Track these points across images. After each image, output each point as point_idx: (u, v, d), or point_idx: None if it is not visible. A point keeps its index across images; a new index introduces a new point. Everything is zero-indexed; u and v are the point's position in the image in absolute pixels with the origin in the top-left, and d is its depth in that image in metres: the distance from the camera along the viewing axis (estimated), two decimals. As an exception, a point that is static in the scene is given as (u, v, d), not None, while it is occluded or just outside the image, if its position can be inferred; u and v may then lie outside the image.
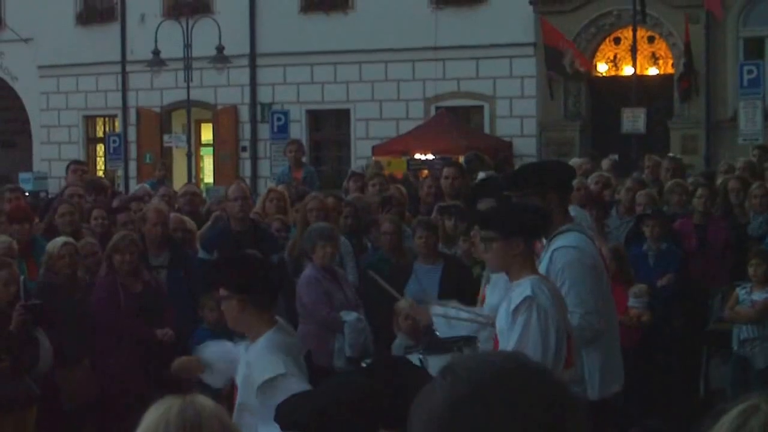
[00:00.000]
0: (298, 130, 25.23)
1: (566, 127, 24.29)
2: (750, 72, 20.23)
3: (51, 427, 8.17)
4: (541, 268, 5.76)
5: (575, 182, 8.66)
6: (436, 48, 24.94)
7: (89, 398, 8.58)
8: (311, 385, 4.79)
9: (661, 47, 24.07)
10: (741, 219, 10.99)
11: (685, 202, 11.07)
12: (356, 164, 22.46)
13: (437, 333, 6.29)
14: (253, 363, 5.01)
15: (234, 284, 5.12)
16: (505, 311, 5.30)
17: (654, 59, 24.22)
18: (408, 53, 25.23)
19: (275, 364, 4.94)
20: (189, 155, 25.67)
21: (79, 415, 8.61)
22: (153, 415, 2.87)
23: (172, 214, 10.21)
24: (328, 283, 8.76)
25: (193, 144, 27.20)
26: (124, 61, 28.32)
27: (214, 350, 5.62)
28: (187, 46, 24.43)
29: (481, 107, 25.45)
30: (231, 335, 6.21)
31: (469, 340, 5.94)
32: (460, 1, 25.02)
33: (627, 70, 23.67)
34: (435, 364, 5.24)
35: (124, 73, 28.50)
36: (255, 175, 27.02)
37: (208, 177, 28.77)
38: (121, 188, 23.83)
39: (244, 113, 27.59)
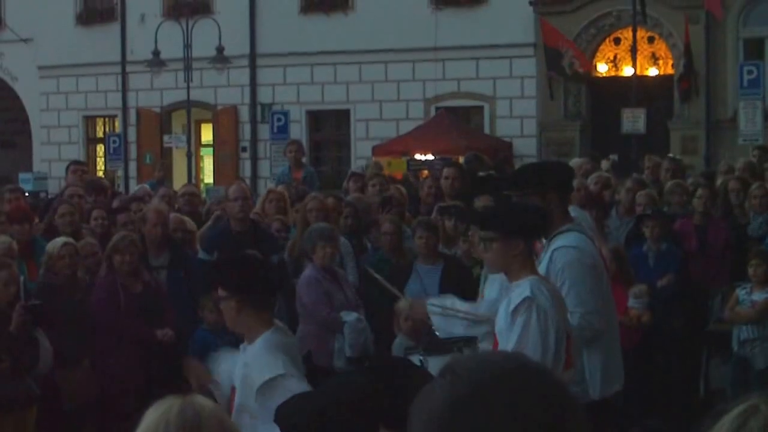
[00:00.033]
0: (298, 131, 25.23)
1: (566, 127, 24.30)
2: (750, 72, 20.24)
3: (51, 427, 8.17)
4: (541, 268, 5.75)
5: (575, 183, 8.66)
6: (436, 48, 24.94)
7: (89, 398, 8.58)
8: (311, 386, 4.78)
9: (661, 48, 24.08)
10: (741, 219, 10.99)
11: (686, 203, 11.07)
12: (356, 165, 22.47)
13: (436, 333, 6.29)
14: (252, 364, 5.00)
15: (232, 285, 5.11)
16: (505, 312, 5.30)
17: (654, 60, 24.22)
18: (408, 54, 25.23)
19: (275, 364, 4.92)
20: (189, 156, 25.67)
21: (79, 415, 8.61)
22: (153, 415, 2.87)
23: (172, 215, 10.21)
24: (328, 283, 8.76)
25: (193, 144, 27.21)
26: (124, 62, 28.33)
27: (224, 368, 5.55)
28: (187, 46, 24.44)
29: (481, 107, 25.46)
30: (230, 336, 6.21)
31: (470, 341, 5.94)
32: (460, 2, 25.03)
33: (627, 71, 23.67)
34: (435, 364, 5.24)
35: (124, 74, 28.51)
36: (255, 176, 27.03)
37: (208, 177, 28.78)
38: (121, 189, 23.82)
39: (244, 113, 27.60)
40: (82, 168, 13.15)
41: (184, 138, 26.21)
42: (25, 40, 29.02)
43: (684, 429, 8.07)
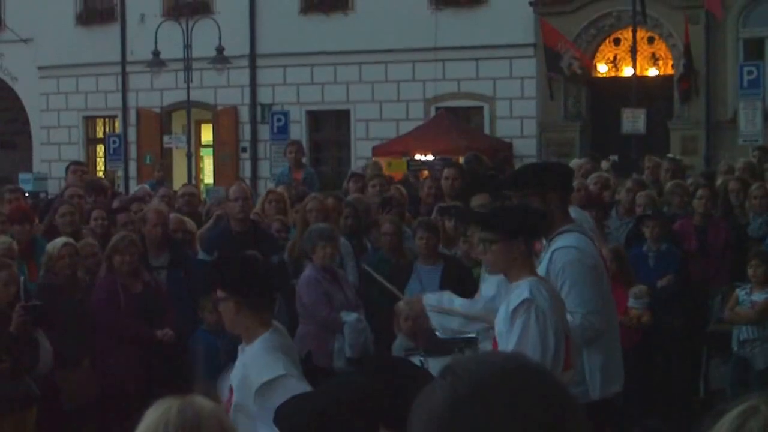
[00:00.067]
0: (298, 131, 25.23)
1: (566, 127, 24.30)
2: (750, 73, 20.24)
3: (51, 428, 8.17)
4: (541, 269, 5.75)
5: (575, 183, 8.66)
6: (436, 49, 24.94)
7: (89, 398, 8.58)
8: (311, 386, 4.78)
9: (661, 48, 24.08)
10: (741, 220, 10.99)
11: (686, 203, 11.08)
12: (356, 165, 22.45)
13: (437, 333, 6.29)
14: (251, 365, 4.99)
15: (231, 286, 5.10)
16: (504, 314, 5.29)
17: (654, 60, 24.22)
18: (408, 54, 25.23)
19: (274, 365, 4.92)
20: (189, 156, 25.66)
21: (79, 415, 8.61)
22: (152, 416, 2.87)
23: (173, 215, 10.21)
24: (328, 283, 8.76)
25: (193, 145, 27.20)
26: (124, 62, 28.33)
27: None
28: (187, 46, 24.43)
29: (481, 108, 25.46)
30: (230, 336, 6.20)
31: (470, 341, 5.94)
32: (460, 2, 25.03)
33: (627, 71, 23.67)
34: (436, 366, 5.24)
35: (124, 74, 28.51)
36: (255, 176, 27.03)
37: (208, 178, 28.77)
38: (121, 189, 23.83)
39: (244, 114, 27.59)
40: (82, 168, 13.15)
41: (184, 138, 26.20)
42: (25, 41, 29.02)
43: (684, 429, 8.08)
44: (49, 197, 17.91)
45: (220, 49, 23.95)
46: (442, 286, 8.56)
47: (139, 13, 27.75)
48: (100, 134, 29.66)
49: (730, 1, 22.88)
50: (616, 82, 24.00)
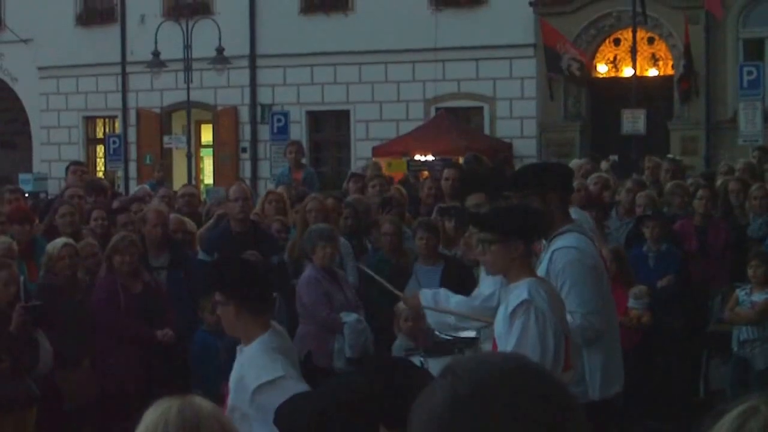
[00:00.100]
0: (298, 131, 25.23)
1: (566, 128, 24.30)
2: (750, 73, 20.25)
3: (51, 428, 8.16)
4: (541, 269, 5.75)
5: (575, 183, 8.66)
6: (436, 49, 24.94)
7: (89, 399, 8.58)
8: (311, 387, 4.78)
9: (660, 48, 24.08)
10: (741, 220, 10.99)
11: (686, 204, 11.08)
12: (356, 165, 22.45)
13: (436, 332, 6.29)
14: (248, 366, 5.00)
15: (229, 290, 5.11)
16: (503, 314, 5.28)
17: (654, 60, 24.22)
18: (408, 54, 25.23)
19: (273, 366, 4.92)
20: (189, 156, 25.66)
21: (79, 415, 8.61)
22: (152, 416, 2.87)
23: (173, 216, 10.21)
24: (328, 284, 8.76)
25: (193, 145, 27.20)
26: (124, 62, 28.33)
27: None
28: (187, 47, 24.43)
29: (481, 108, 25.46)
30: (230, 337, 6.20)
31: (470, 342, 5.94)
32: (460, 2, 25.02)
33: (627, 72, 23.67)
34: (436, 366, 5.24)
35: (124, 74, 28.51)
36: (255, 177, 27.03)
37: (208, 178, 28.77)
38: (121, 189, 23.83)
39: (244, 114, 27.60)
40: (82, 168, 13.15)
41: (184, 139, 26.20)
42: (25, 41, 29.02)
43: (684, 430, 8.07)
44: (49, 197, 17.92)
45: (220, 50, 23.95)
46: (442, 286, 8.56)
47: (139, 14, 27.76)
48: (100, 134, 29.66)
49: (730, 2, 22.88)
50: (616, 82, 24.00)
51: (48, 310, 7.84)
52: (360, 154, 25.38)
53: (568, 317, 5.55)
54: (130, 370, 8.53)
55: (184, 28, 24.49)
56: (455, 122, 24.11)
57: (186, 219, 10.39)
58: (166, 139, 27.43)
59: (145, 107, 28.44)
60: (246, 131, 27.65)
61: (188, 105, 25.29)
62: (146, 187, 14.97)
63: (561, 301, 5.48)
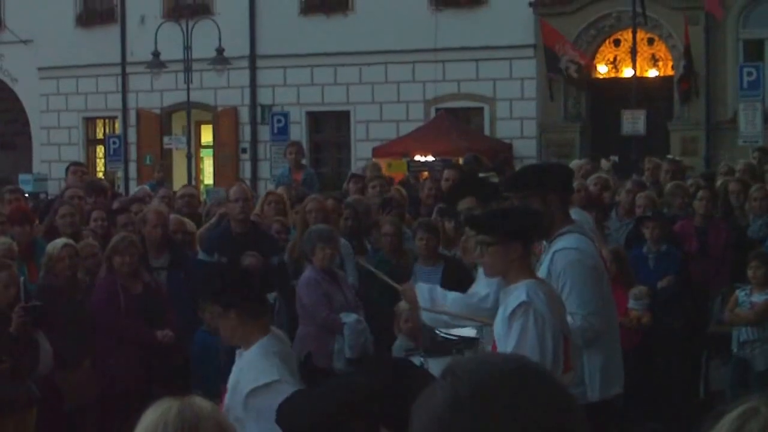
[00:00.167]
0: (298, 132, 25.23)
1: (566, 128, 24.30)
2: (750, 74, 20.26)
3: (51, 428, 8.16)
4: (542, 270, 5.75)
5: (575, 184, 8.65)
6: (436, 50, 24.94)
7: (89, 399, 8.58)
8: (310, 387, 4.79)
9: (660, 49, 24.08)
10: (741, 221, 10.99)
11: (686, 205, 11.08)
12: (356, 166, 22.46)
13: (434, 330, 6.29)
14: (246, 369, 5.04)
15: (228, 298, 5.15)
16: (502, 316, 5.27)
17: (654, 61, 24.22)
18: (408, 55, 25.23)
19: (269, 370, 4.96)
20: (189, 157, 25.65)
21: (80, 415, 8.61)
22: (151, 416, 2.87)
23: (173, 216, 10.22)
24: (327, 284, 8.76)
25: (193, 146, 27.20)
26: (124, 63, 28.33)
27: None
28: (187, 47, 24.43)
29: (481, 109, 25.46)
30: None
31: (470, 342, 5.94)
32: (459, 3, 25.02)
33: (627, 72, 23.67)
34: (436, 366, 5.24)
35: (124, 75, 28.51)
36: (255, 177, 27.02)
37: (208, 179, 28.78)
38: (121, 190, 23.82)
39: (244, 115, 27.59)
40: (81, 169, 13.16)
41: (184, 139, 26.20)
42: (25, 42, 29.02)
43: (684, 430, 8.07)
44: (49, 198, 17.91)
45: (220, 50, 23.95)
46: (442, 287, 8.57)
47: (139, 14, 27.75)
48: (100, 135, 29.66)
49: (730, 2, 22.88)
50: (616, 83, 24.00)
51: (48, 310, 7.84)
52: (360, 154, 25.38)
53: (569, 318, 5.54)
54: (130, 370, 8.53)
55: (184, 29, 24.49)
56: (455, 123, 24.11)
57: (186, 219, 10.39)
58: (166, 139, 27.42)
59: (145, 108, 28.44)
60: (246, 132, 27.65)
61: (188, 105, 25.29)
62: (146, 187, 14.97)
63: (561, 302, 5.48)
